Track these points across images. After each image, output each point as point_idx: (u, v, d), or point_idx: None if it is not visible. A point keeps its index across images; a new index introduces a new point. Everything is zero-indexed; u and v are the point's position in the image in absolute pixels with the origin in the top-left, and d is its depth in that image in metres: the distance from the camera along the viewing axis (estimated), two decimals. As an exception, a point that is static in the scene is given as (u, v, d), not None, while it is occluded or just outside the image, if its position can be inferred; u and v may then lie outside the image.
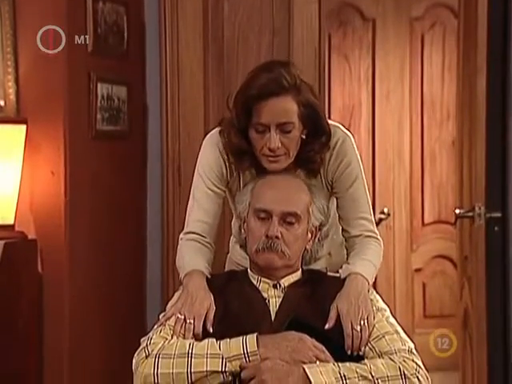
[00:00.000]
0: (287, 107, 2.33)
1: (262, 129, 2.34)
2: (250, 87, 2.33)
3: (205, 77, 3.55)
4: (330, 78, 5.33)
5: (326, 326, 2.26)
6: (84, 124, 3.39)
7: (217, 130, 2.52)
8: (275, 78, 2.31)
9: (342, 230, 2.54)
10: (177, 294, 2.39)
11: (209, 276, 2.41)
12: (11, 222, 3.25)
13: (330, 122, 2.48)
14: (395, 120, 5.55)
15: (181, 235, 2.53)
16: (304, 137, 2.39)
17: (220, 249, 2.70)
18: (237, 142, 2.40)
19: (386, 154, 5.55)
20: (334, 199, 2.55)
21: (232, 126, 2.41)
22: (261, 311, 2.30)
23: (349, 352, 2.24)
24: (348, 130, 2.52)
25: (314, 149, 2.41)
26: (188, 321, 2.26)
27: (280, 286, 2.35)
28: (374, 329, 2.27)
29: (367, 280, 2.38)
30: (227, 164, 2.48)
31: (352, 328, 2.24)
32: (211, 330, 2.25)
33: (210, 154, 2.50)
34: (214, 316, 2.28)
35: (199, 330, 2.26)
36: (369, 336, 2.25)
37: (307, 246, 2.40)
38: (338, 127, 2.49)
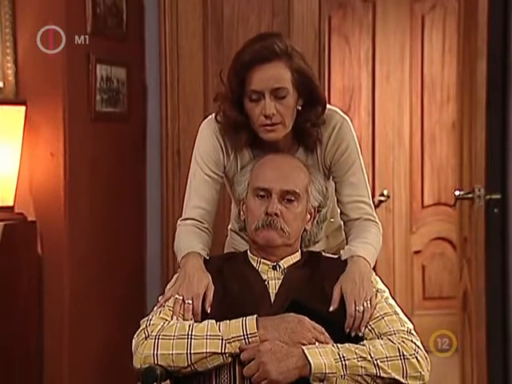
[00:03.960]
0: (280, 73, 2.33)
1: (256, 96, 2.34)
2: (243, 54, 2.35)
3: (204, 58, 3.54)
4: (330, 59, 5.31)
5: (331, 309, 2.27)
6: (83, 105, 3.38)
7: (213, 115, 2.51)
8: (267, 45, 2.33)
9: (341, 213, 2.53)
10: (175, 277, 2.40)
11: (207, 257, 2.41)
12: (11, 203, 3.25)
13: (328, 106, 2.47)
14: (395, 102, 5.54)
15: (178, 222, 2.53)
16: (299, 107, 2.39)
17: (219, 236, 2.70)
18: (232, 115, 2.40)
19: (386, 136, 5.54)
20: (332, 182, 2.54)
21: (227, 100, 2.41)
22: (260, 293, 2.30)
23: (347, 331, 2.24)
24: (346, 114, 2.52)
25: (310, 119, 2.41)
26: (187, 301, 2.26)
27: (280, 267, 2.35)
28: (374, 310, 2.28)
29: (369, 263, 2.39)
30: (224, 149, 2.48)
31: (355, 308, 2.25)
32: (209, 311, 2.26)
33: (206, 140, 2.50)
34: (213, 297, 2.28)
35: (198, 309, 2.26)
36: (370, 317, 2.26)
37: (306, 227, 2.40)
38: (336, 111, 2.49)
